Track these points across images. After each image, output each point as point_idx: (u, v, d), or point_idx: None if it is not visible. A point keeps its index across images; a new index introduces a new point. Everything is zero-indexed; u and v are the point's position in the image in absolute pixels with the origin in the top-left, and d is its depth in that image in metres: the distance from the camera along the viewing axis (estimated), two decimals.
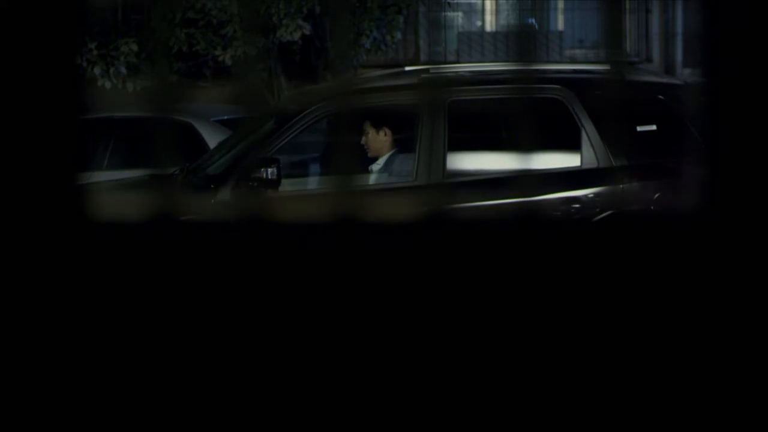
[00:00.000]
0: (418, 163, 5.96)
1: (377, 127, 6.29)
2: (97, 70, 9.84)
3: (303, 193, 6.08)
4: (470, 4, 14.51)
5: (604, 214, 5.81)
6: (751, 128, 2.01)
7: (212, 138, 8.44)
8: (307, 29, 9.90)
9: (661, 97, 6.08)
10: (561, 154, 6.00)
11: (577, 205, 5.82)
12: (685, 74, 13.84)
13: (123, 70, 9.91)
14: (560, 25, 14.84)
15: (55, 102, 2.07)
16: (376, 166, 6.24)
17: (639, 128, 5.89)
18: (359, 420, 2.09)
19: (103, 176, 7.77)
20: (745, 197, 2.00)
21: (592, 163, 5.93)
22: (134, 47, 9.87)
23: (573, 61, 13.33)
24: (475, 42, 14.36)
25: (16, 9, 2.04)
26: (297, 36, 9.86)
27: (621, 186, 5.87)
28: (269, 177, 5.83)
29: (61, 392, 2.10)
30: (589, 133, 5.93)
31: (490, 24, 14.78)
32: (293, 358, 2.10)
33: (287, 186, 5.98)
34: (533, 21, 13.39)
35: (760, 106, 2.00)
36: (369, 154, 6.27)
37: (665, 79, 7.21)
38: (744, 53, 1.99)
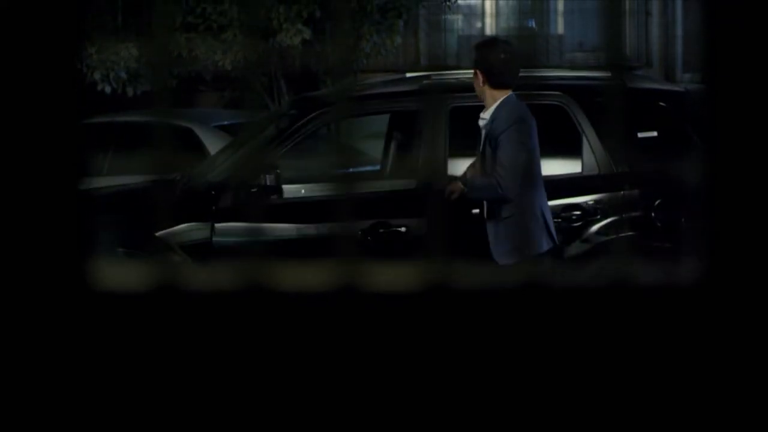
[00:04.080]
0: (419, 169, 5.97)
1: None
2: (97, 75, 9.85)
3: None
4: (470, 7, 14.51)
5: (606, 219, 5.82)
6: (751, 133, 2.00)
7: (212, 143, 8.44)
8: (308, 34, 9.90)
9: (662, 104, 6.08)
10: (562, 160, 6.01)
11: (578, 212, 5.82)
12: (685, 78, 13.84)
13: (123, 74, 9.92)
14: (560, 28, 14.84)
15: (55, 106, 2.06)
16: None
17: (640, 135, 5.89)
18: None
19: (103, 182, 7.77)
20: (746, 200, 1.99)
21: (593, 169, 5.93)
22: (134, 52, 9.88)
23: (573, 64, 13.33)
24: None
25: (16, 13, 2.04)
26: (297, 40, 9.87)
27: (622, 192, 5.87)
28: (269, 183, 5.84)
29: None
30: (590, 140, 5.94)
31: (490, 27, 14.78)
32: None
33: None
34: (533, 23, 13.39)
35: (761, 110, 1.99)
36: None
37: (666, 86, 7.19)
38: (745, 57, 1.98)
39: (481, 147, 5.38)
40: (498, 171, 5.15)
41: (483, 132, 5.38)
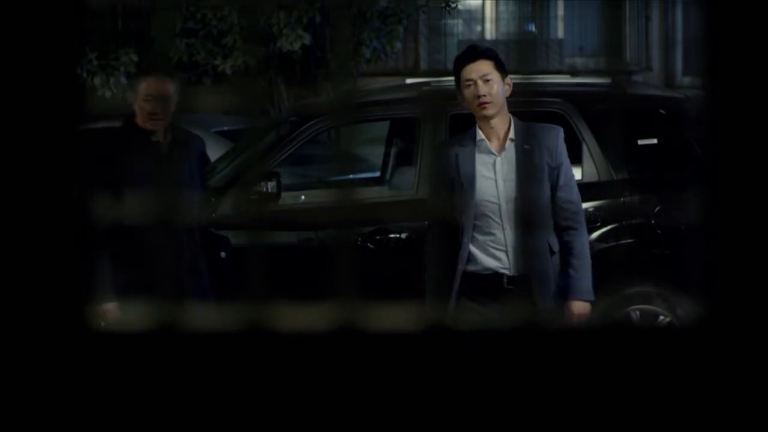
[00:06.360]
0: (419, 176, 5.96)
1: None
2: (97, 80, 9.84)
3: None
4: (470, 12, 14.51)
5: (606, 227, 5.82)
6: (751, 137, 1.99)
7: (212, 149, 8.43)
8: (308, 39, 9.90)
9: (662, 111, 6.08)
10: None
11: None
12: (685, 82, 13.85)
13: (123, 80, 9.91)
14: (560, 32, 14.84)
15: (55, 111, 2.06)
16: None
17: (640, 142, 5.89)
18: None
19: None
20: (745, 203, 1.99)
21: (593, 176, 5.92)
22: (134, 57, 9.88)
23: (573, 68, 13.33)
24: None
25: (16, 19, 2.04)
26: (297, 46, 9.87)
27: (622, 199, 5.87)
28: (269, 191, 5.83)
29: None
30: (590, 147, 5.93)
31: (489, 31, 14.79)
32: None
33: None
34: (533, 27, 13.39)
35: (761, 114, 1.99)
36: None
37: (667, 93, 7.19)
38: (745, 61, 1.97)
39: (515, 173, 4.40)
40: (573, 203, 4.51)
41: (512, 153, 4.46)
